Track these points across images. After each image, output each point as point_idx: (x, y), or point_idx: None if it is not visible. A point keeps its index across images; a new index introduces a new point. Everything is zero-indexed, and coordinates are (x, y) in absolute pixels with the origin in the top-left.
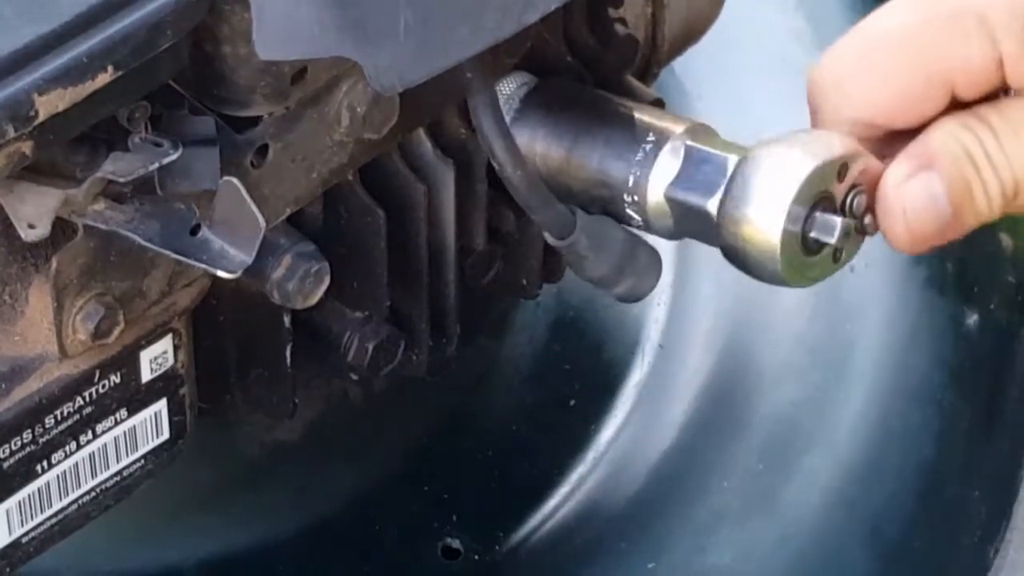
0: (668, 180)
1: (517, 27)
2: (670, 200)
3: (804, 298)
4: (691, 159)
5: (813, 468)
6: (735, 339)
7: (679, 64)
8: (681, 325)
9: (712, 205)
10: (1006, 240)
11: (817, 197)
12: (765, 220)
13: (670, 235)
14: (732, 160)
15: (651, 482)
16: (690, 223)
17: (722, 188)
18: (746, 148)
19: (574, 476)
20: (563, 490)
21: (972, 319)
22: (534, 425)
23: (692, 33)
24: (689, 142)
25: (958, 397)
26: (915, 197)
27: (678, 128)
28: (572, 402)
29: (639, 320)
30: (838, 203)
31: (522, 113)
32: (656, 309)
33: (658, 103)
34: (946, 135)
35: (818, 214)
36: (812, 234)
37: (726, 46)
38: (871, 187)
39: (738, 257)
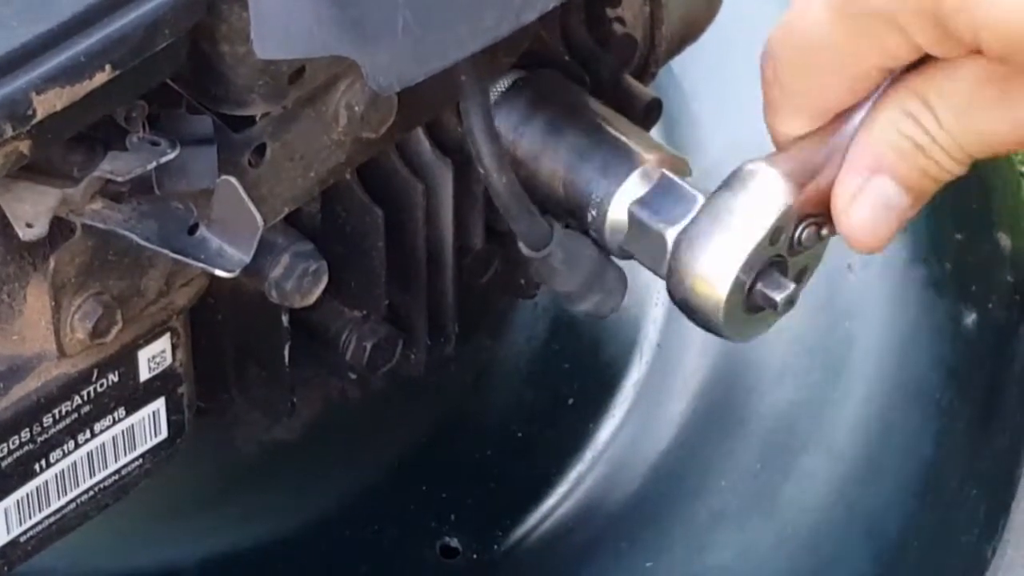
0: (634, 204)
1: (515, 26)
2: (623, 251)
3: (803, 298)
4: (636, 223)
5: (812, 467)
6: None
7: (677, 63)
8: (679, 324)
9: (661, 270)
10: (1004, 240)
11: (762, 264)
12: (712, 280)
13: (618, 253)
14: (672, 232)
15: (650, 481)
16: (642, 245)
17: (665, 259)
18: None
19: (573, 475)
20: (562, 489)
21: (970, 318)
22: (533, 424)
23: (690, 32)
24: (638, 198)
25: (956, 396)
26: (869, 208)
27: (652, 156)
28: (570, 401)
29: (637, 319)
30: (785, 250)
31: (502, 101)
32: (654, 309)
33: (655, 103)
34: (888, 128)
35: (759, 287)
36: (758, 301)
37: (724, 45)
38: (824, 199)
39: (684, 307)
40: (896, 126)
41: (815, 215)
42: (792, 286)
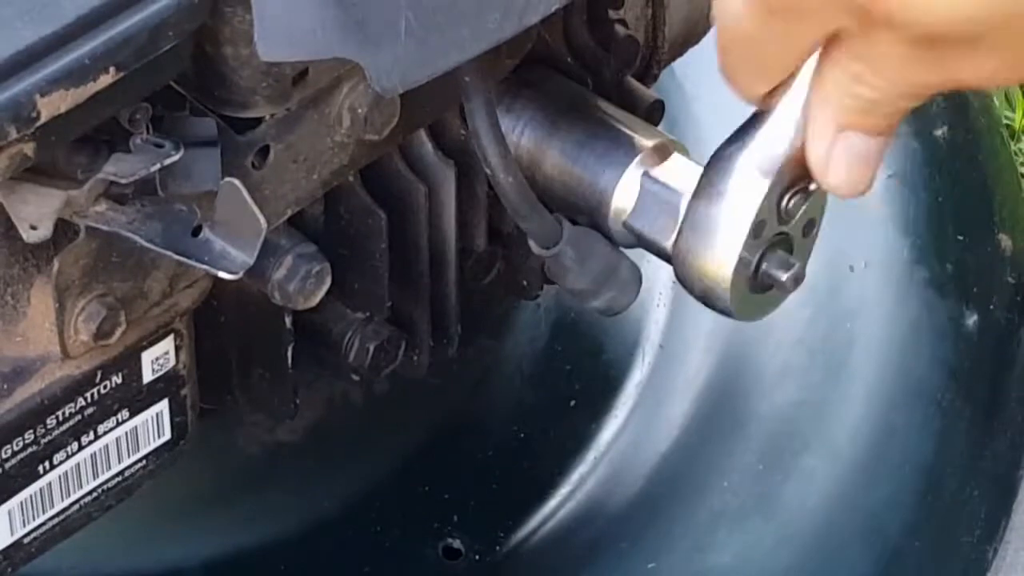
0: (628, 209)
1: (518, 28)
2: (629, 228)
3: (804, 299)
4: (647, 194)
5: (813, 468)
6: (735, 339)
7: (679, 65)
8: (681, 325)
9: (668, 243)
10: (1005, 241)
11: (763, 247)
12: (716, 264)
13: (623, 238)
14: (684, 201)
15: (651, 482)
16: (648, 247)
17: (676, 230)
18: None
19: (575, 476)
20: (564, 490)
21: (972, 319)
22: (535, 425)
23: (693, 35)
24: (648, 172)
25: (958, 397)
26: (845, 166)
27: (653, 142)
28: (573, 402)
29: (639, 321)
30: (777, 226)
31: (499, 99)
32: (656, 310)
33: (658, 105)
34: (839, 91)
35: (764, 269)
36: (764, 282)
37: None
38: (801, 165)
39: (693, 291)
40: (846, 89)
41: (798, 181)
42: (796, 264)
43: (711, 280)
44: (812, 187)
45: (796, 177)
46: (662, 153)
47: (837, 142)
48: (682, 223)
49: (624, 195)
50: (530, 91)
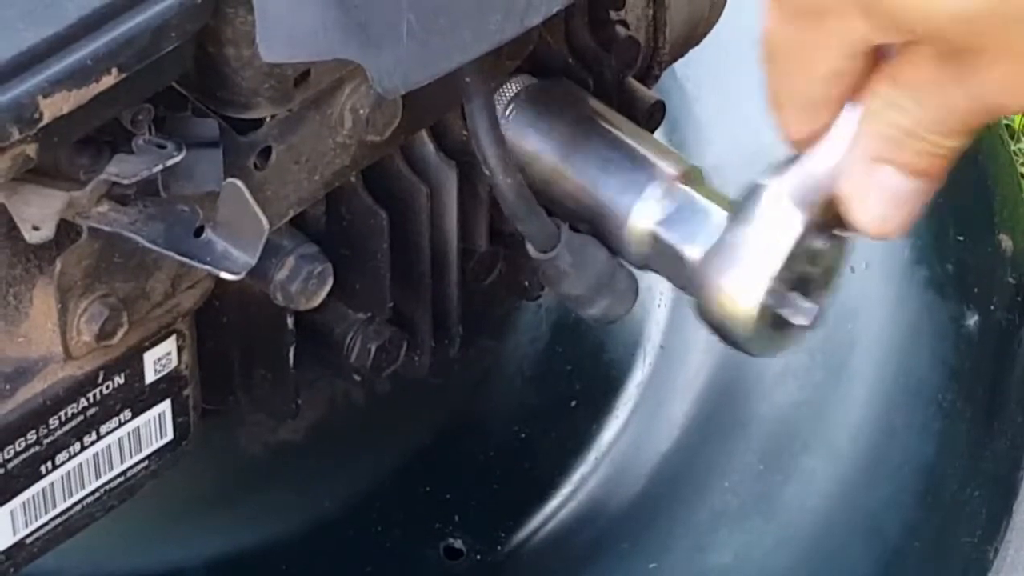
0: (657, 218)
1: (519, 29)
2: (654, 238)
3: None
4: (684, 206)
5: (813, 468)
6: None
7: (680, 66)
8: (682, 326)
9: (695, 255)
10: (1005, 241)
11: (786, 287)
12: (742, 293)
13: (639, 265)
14: (713, 218)
15: (652, 482)
16: (666, 264)
17: (704, 245)
18: (728, 201)
19: (576, 476)
20: (565, 490)
21: (972, 320)
22: (536, 426)
23: (694, 35)
24: (683, 186)
25: (958, 397)
26: (879, 202)
27: (673, 169)
28: (574, 403)
29: (640, 321)
30: (806, 266)
31: (516, 108)
32: (657, 310)
33: (659, 106)
34: (876, 120)
35: (784, 310)
36: (784, 322)
37: (727, 48)
38: (836, 206)
39: (711, 319)
40: (883, 117)
41: (833, 224)
42: (816, 308)
43: (732, 310)
44: (844, 234)
45: (831, 218)
46: (676, 184)
47: (872, 176)
48: (711, 249)
49: (639, 221)
50: (543, 105)
